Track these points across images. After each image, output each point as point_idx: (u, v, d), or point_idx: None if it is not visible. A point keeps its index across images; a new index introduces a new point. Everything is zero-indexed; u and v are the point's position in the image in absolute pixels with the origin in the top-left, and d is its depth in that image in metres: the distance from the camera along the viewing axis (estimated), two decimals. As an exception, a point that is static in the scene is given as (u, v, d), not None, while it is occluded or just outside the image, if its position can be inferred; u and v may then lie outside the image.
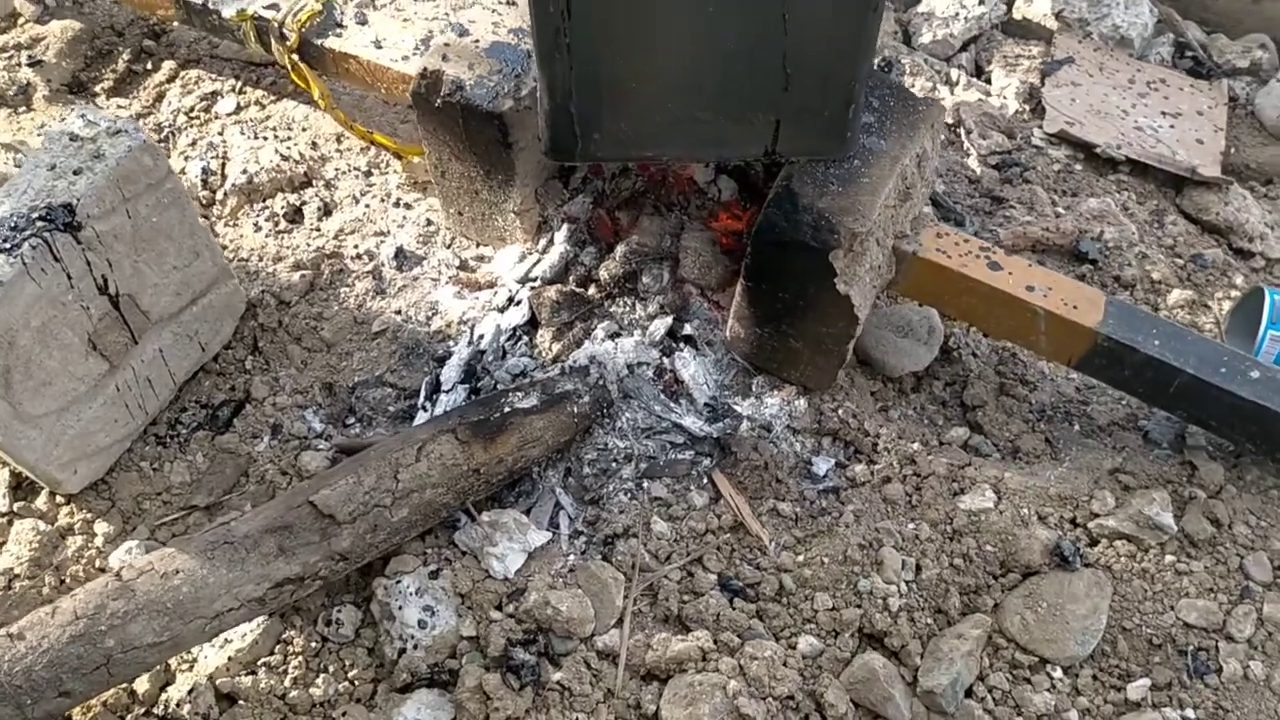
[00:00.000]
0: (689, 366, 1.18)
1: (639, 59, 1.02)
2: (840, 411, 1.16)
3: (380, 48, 1.39)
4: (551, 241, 1.28)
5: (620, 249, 1.24)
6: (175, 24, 1.58)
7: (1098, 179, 1.44)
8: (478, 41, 1.24)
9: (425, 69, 1.21)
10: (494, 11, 1.28)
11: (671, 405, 1.16)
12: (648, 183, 1.27)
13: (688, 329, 1.21)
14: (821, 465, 1.14)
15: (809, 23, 0.99)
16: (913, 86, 1.50)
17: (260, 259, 1.35)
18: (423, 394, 1.19)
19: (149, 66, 1.61)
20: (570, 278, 1.26)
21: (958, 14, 1.56)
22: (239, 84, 1.58)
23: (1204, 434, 1.15)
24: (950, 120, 1.46)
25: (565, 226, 1.27)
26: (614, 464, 1.14)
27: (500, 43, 1.24)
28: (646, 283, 1.23)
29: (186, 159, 1.46)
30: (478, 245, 1.35)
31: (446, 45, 1.24)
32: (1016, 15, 1.61)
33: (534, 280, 1.26)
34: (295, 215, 1.41)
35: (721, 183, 1.25)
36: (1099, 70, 1.53)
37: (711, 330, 1.22)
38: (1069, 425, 1.20)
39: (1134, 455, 1.15)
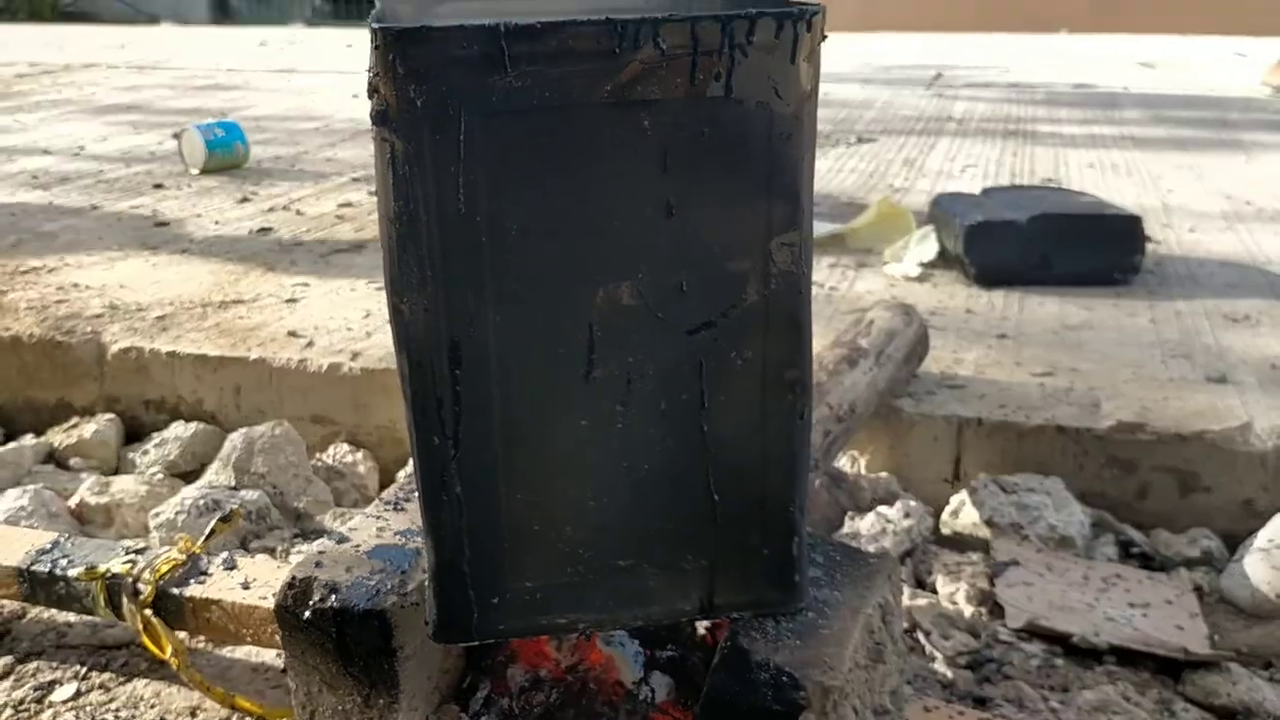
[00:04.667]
0: None
1: (543, 495, 0.87)
2: None
3: (248, 588, 1.22)
4: (449, 784, 1.01)
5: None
6: (20, 608, 1.39)
7: (1085, 671, 1.26)
8: (358, 546, 1.09)
9: (293, 578, 1.04)
10: (379, 518, 1.14)
11: None
12: (565, 693, 1.05)
13: None
14: None
15: (733, 435, 0.87)
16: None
17: None
18: None
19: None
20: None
21: (885, 529, 1.47)
22: (84, 669, 1.36)
23: None
24: (905, 625, 1.29)
25: (465, 760, 1.02)
26: None
27: (385, 544, 1.09)
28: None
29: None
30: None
31: (320, 552, 1.08)
32: (945, 530, 1.53)
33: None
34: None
35: (655, 680, 1.03)
36: (1048, 570, 1.42)
37: None
38: None
39: None
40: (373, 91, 0.76)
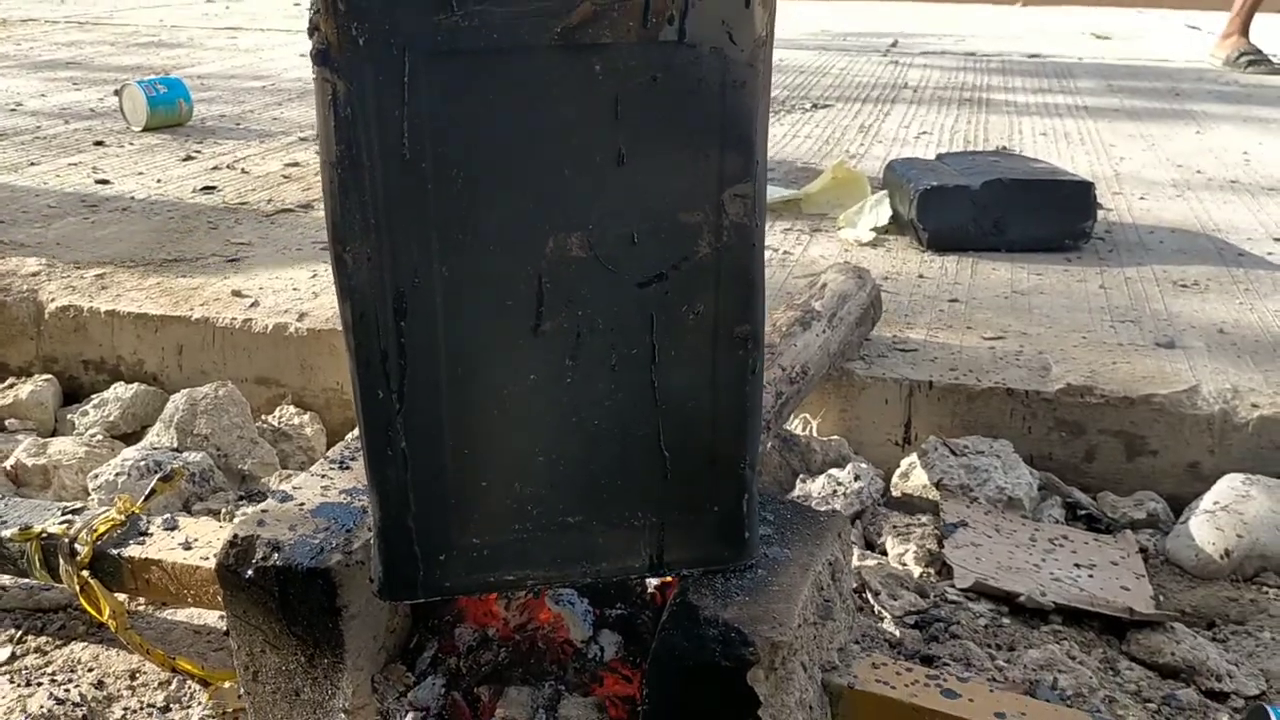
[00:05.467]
0: None
1: (490, 451, 0.85)
2: None
3: (189, 548, 1.19)
4: (395, 742, 1.00)
5: (482, 736, 0.97)
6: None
7: (1031, 631, 1.27)
8: (302, 505, 1.06)
9: (236, 536, 1.01)
10: (324, 476, 1.12)
11: None
12: (513, 652, 1.04)
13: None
14: None
15: (684, 390, 0.86)
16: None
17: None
18: None
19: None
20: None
21: (835, 491, 1.47)
22: (19, 633, 1.33)
23: None
24: (855, 585, 1.29)
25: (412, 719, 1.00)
26: None
27: (330, 503, 1.06)
28: (520, 776, 0.95)
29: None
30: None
31: (263, 511, 1.05)
32: (895, 492, 1.53)
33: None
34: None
35: (603, 639, 1.02)
36: (996, 531, 1.42)
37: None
38: None
39: None
40: (313, 30, 0.73)
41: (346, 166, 0.76)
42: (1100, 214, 2.23)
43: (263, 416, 1.75)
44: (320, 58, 0.74)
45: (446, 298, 0.80)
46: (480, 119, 0.77)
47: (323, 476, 1.11)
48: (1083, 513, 1.51)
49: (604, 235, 0.81)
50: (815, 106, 3.60)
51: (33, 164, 2.72)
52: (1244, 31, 4.45)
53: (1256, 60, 4.31)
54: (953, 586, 1.32)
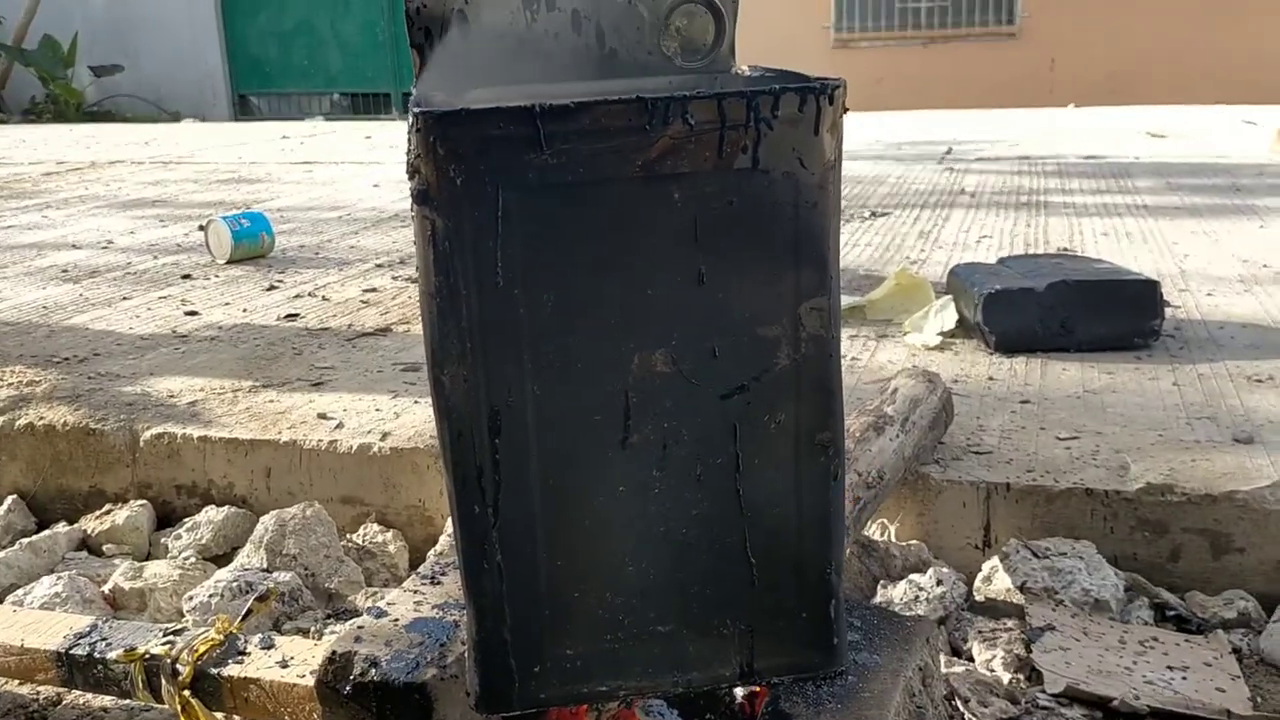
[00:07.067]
0: None
1: (583, 562, 0.88)
2: None
3: (286, 666, 1.22)
4: None
5: None
6: (55, 693, 1.39)
7: (1126, 735, 1.24)
8: (396, 620, 1.09)
9: (334, 653, 1.04)
10: (416, 592, 1.15)
11: None
12: (604, 765, 1.05)
13: None
14: None
15: (768, 498, 0.88)
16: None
17: None
18: None
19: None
20: None
21: (917, 597, 1.46)
22: (119, 756, 1.36)
23: None
24: (944, 693, 1.28)
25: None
26: None
27: (423, 618, 1.09)
28: None
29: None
30: None
31: (359, 627, 1.09)
32: (978, 596, 1.52)
33: None
34: None
35: (693, 755, 1.03)
36: (1084, 634, 1.41)
37: None
38: None
39: None
40: (413, 172, 0.79)
41: (444, 296, 0.81)
42: (1168, 312, 2.23)
43: (348, 535, 1.79)
44: (420, 197, 0.79)
45: (539, 415, 0.84)
46: (569, 247, 0.81)
47: (415, 592, 1.15)
48: (1171, 614, 1.48)
49: (687, 351, 0.84)
50: (874, 215, 3.65)
51: (125, 299, 2.85)
52: (1302, 124, 4.46)
53: (1317, 152, 4.31)
54: (1043, 692, 1.31)
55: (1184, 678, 1.33)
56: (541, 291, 0.82)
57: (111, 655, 1.27)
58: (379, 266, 3.13)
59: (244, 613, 1.31)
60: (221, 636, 1.27)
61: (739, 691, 1.04)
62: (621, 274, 0.83)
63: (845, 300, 2.44)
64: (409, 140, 0.79)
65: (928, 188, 4.20)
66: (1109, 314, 2.13)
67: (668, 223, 0.82)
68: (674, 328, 0.84)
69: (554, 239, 0.81)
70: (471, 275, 0.80)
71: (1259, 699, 1.32)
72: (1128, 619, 1.46)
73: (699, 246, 0.82)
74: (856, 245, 3.19)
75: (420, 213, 0.79)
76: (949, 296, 2.33)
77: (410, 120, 0.78)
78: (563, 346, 0.83)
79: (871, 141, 5.71)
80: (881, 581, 1.52)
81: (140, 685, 1.26)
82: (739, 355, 0.85)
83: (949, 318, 2.26)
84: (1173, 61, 8.10)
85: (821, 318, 0.85)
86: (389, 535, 1.78)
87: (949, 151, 5.23)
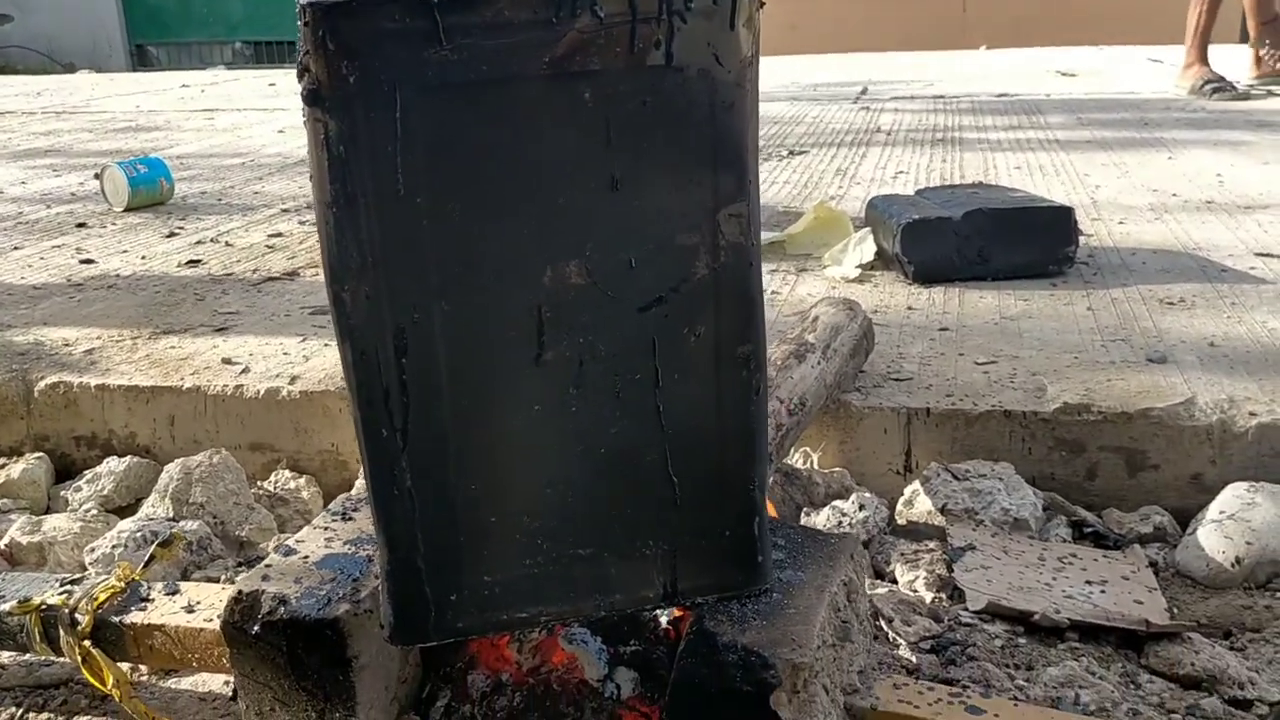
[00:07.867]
0: None
1: (498, 485, 0.85)
2: None
3: (192, 611, 1.17)
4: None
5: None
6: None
7: (1048, 649, 1.25)
8: (306, 558, 1.05)
9: (240, 592, 1.00)
10: (327, 528, 1.10)
11: None
12: (528, 696, 1.02)
13: None
14: None
15: (689, 414, 0.85)
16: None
17: None
18: None
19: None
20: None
21: (840, 523, 1.46)
22: (20, 711, 1.30)
23: None
24: (869, 611, 1.28)
25: (428, 770, 0.98)
26: None
27: (334, 554, 1.05)
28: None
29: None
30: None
31: (267, 566, 1.04)
32: (900, 520, 1.52)
33: None
34: None
35: (619, 676, 1.00)
36: (1004, 553, 1.41)
37: None
38: None
39: None
40: (303, 71, 0.74)
41: (341, 205, 0.76)
42: (1081, 240, 2.25)
43: (258, 482, 1.73)
44: (311, 98, 0.74)
45: (446, 332, 0.80)
46: (473, 151, 0.77)
47: (325, 529, 1.10)
48: (1089, 530, 1.50)
49: (602, 261, 0.81)
50: (792, 153, 3.64)
51: (16, 248, 2.72)
52: (1204, 60, 4.54)
53: (1220, 87, 4.39)
54: (966, 610, 1.31)
55: (1102, 591, 1.34)
56: (446, 200, 0.77)
57: (4, 607, 1.21)
58: (284, 211, 3.02)
59: (146, 560, 1.26)
60: (123, 584, 1.22)
61: (662, 616, 1.02)
62: (531, 180, 0.79)
63: (764, 236, 2.42)
64: (300, 35, 0.73)
65: (844, 127, 4.20)
66: (1024, 242, 2.14)
67: (578, 124, 0.78)
68: (587, 237, 0.80)
69: (458, 143, 0.77)
70: (370, 182, 0.76)
71: (1175, 610, 1.34)
72: (1047, 537, 1.47)
73: (612, 150, 0.79)
74: (775, 183, 3.17)
75: (311, 115, 0.74)
76: (867, 229, 2.32)
77: (299, 13, 0.72)
78: (469, 258, 0.79)
79: (788, 83, 5.69)
80: (805, 509, 1.51)
81: (37, 637, 1.20)
82: (656, 265, 0.82)
83: (868, 250, 2.25)
84: (1079, 4, 8.20)
85: (740, 225, 0.82)
86: (301, 481, 1.72)
87: (864, 91, 5.23)
